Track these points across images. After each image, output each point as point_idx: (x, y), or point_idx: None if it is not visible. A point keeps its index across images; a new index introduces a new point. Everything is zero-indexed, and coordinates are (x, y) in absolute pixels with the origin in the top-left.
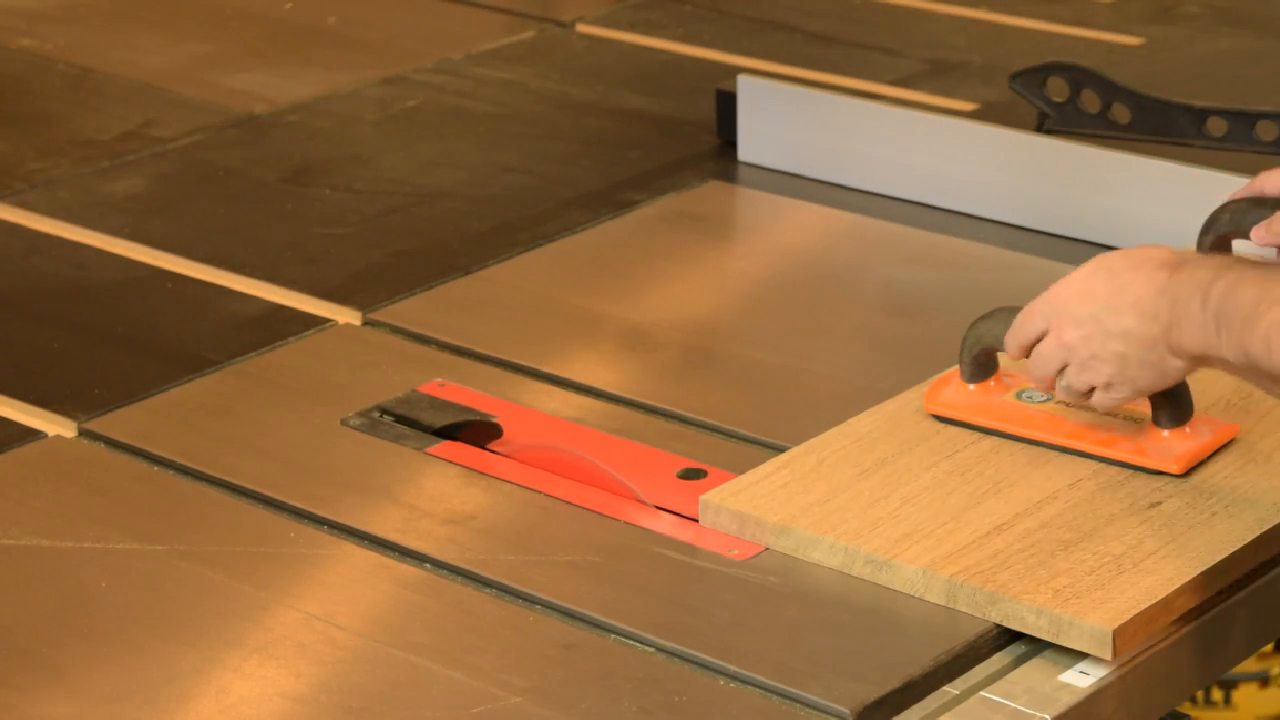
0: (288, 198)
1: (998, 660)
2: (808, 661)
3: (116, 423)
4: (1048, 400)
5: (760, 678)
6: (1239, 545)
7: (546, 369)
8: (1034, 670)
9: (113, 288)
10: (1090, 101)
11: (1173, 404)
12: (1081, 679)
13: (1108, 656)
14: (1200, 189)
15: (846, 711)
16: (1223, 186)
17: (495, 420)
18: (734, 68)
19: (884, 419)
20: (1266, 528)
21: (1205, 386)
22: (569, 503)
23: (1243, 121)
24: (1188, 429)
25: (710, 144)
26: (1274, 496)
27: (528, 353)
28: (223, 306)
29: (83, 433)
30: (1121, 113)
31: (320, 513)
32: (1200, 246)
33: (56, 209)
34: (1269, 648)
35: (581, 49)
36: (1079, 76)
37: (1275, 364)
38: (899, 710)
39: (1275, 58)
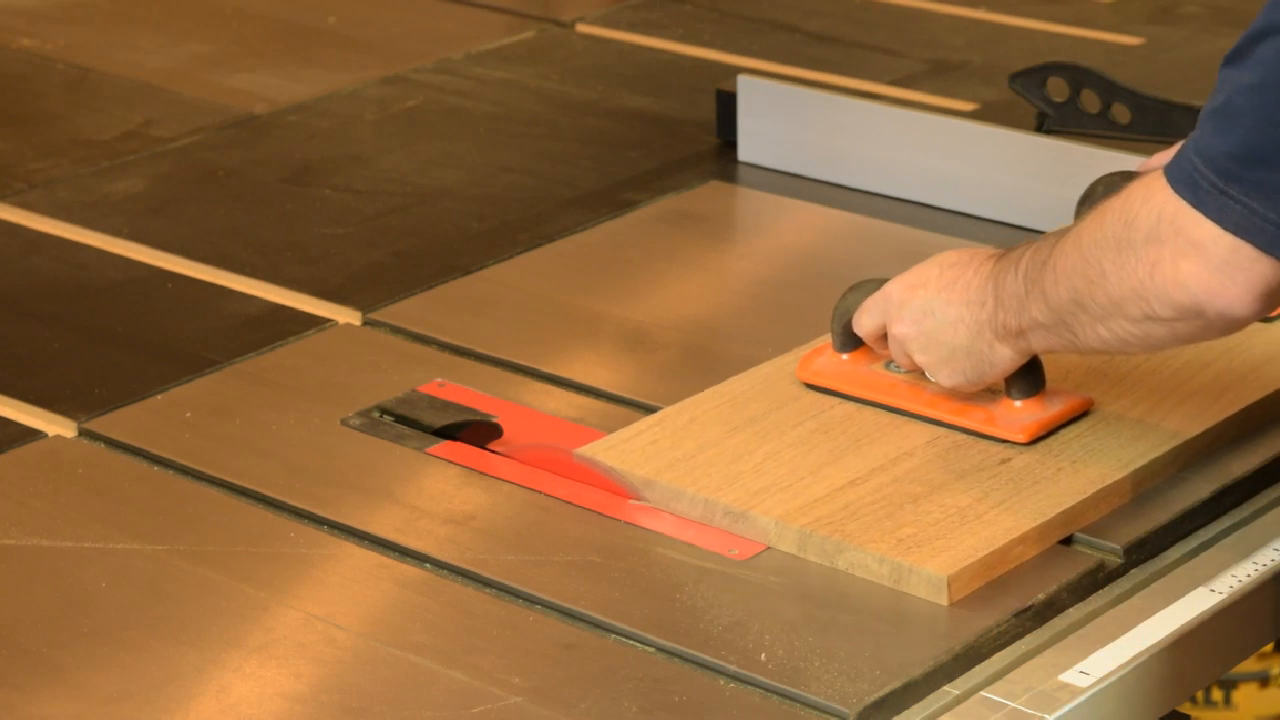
0: (288, 198)
1: (998, 660)
2: (808, 661)
3: (116, 423)
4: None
5: (760, 678)
6: (1078, 500)
7: (546, 369)
8: (1034, 670)
9: (113, 288)
10: (1090, 101)
11: (1024, 376)
12: (1081, 679)
13: (944, 601)
14: None
15: (846, 711)
16: None
17: (495, 420)
18: (734, 68)
19: (758, 380)
20: (1107, 483)
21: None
22: (569, 503)
23: None
24: (1040, 400)
25: (710, 144)
26: (1118, 454)
27: (528, 353)
28: (223, 306)
29: (83, 433)
30: (1121, 113)
31: (320, 513)
32: (1077, 218)
33: (56, 209)
34: (1269, 648)
35: (581, 49)
36: (1079, 76)
37: (1061, 295)
38: (899, 710)
39: None
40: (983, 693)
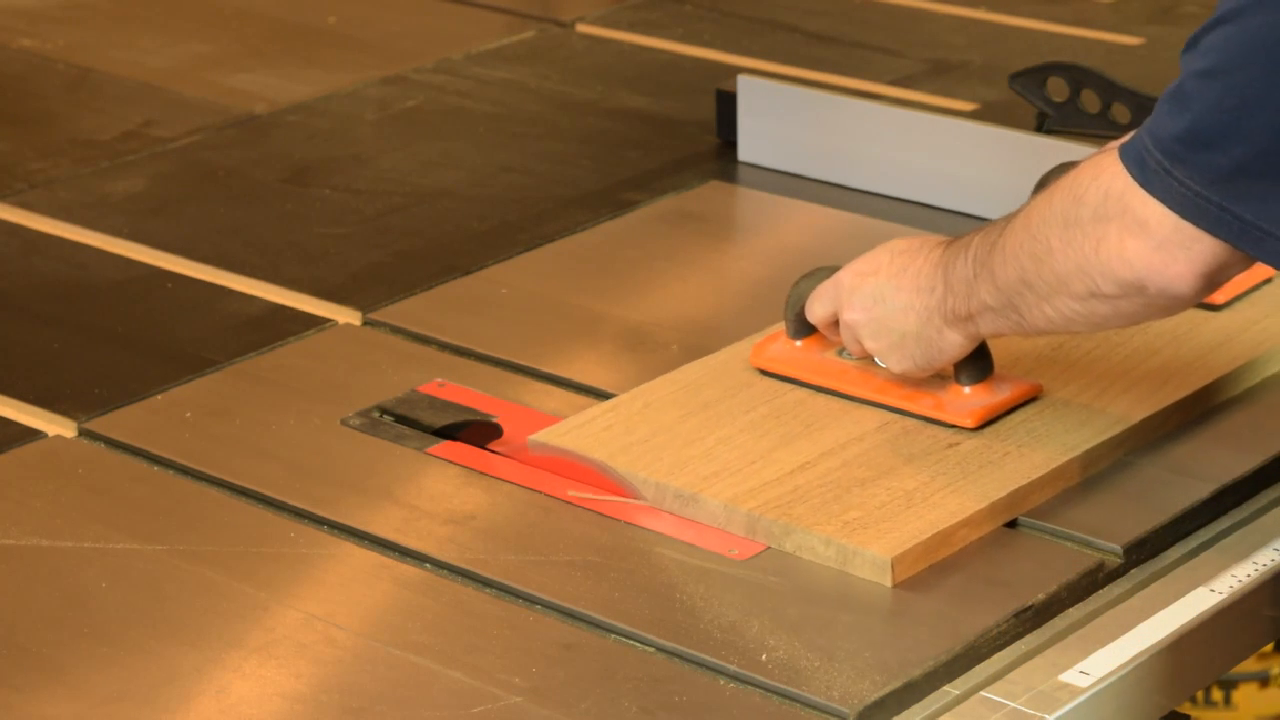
0: (288, 198)
1: (998, 660)
2: (808, 661)
3: (116, 423)
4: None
5: (760, 678)
6: (1023, 483)
7: (546, 369)
8: (1034, 670)
9: (113, 288)
10: (1090, 101)
11: (973, 362)
12: (1081, 679)
13: (887, 583)
14: None
15: (846, 711)
16: None
17: (495, 420)
18: (734, 68)
19: (713, 367)
20: (1052, 467)
21: (1021, 338)
22: (569, 503)
23: None
24: (988, 386)
25: (710, 144)
26: (1064, 439)
27: (528, 353)
28: (223, 306)
29: (83, 433)
30: (1121, 113)
31: (320, 513)
32: None
33: (56, 209)
34: (1269, 648)
35: (581, 49)
36: (1079, 76)
37: (1009, 274)
38: (899, 710)
39: None
40: (983, 693)
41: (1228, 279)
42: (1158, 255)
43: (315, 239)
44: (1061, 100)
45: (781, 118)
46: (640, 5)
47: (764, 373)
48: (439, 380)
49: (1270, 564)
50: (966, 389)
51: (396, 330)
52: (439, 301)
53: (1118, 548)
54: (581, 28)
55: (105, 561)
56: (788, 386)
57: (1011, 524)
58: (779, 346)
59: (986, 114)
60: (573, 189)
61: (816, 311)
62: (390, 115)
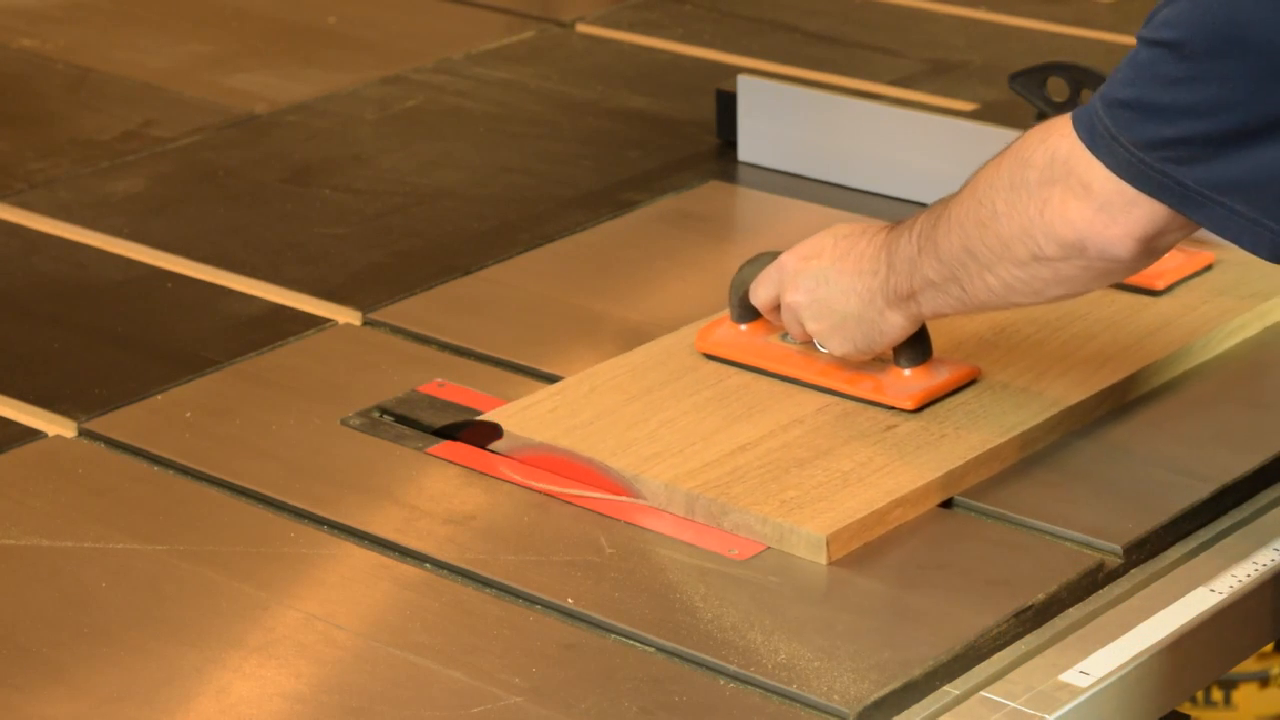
0: (288, 198)
1: (998, 660)
2: (808, 661)
3: (116, 423)
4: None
5: (760, 678)
6: (958, 464)
7: (546, 369)
8: (1034, 670)
9: (113, 288)
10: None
11: (912, 345)
12: (1081, 679)
13: (823, 560)
14: None
15: (846, 711)
16: None
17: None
18: (734, 68)
19: (658, 352)
20: (988, 448)
21: (962, 323)
22: (569, 503)
23: None
24: (927, 369)
25: (710, 144)
26: (1001, 421)
27: (528, 353)
28: (223, 306)
29: (83, 433)
30: None
31: (320, 513)
32: None
33: (56, 209)
34: (1269, 648)
35: (581, 49)
36: (1079, 76)
37: (953, 243)
38: (899, 710)
39: None
40: (983, 693)
41: (1168, 245)
42: (1099, 217)
43: (315, 239)
44: (1061, 100)
45: (781, 118)
46: (640, 5)
47: (709, 357)
48: (439, 380)
49: (1270, 564)
50: (906, 372)
51: (396, 330)
52: (439, 301)
53: (1118, 548)
54: (581, 28)
55: (105, 561)
56: (732, 370)
57: (947, 504)
58: (723, 331)
59: (986, 114)
60: (573, 189)
61: (760, 295)
62: (390, 115)
